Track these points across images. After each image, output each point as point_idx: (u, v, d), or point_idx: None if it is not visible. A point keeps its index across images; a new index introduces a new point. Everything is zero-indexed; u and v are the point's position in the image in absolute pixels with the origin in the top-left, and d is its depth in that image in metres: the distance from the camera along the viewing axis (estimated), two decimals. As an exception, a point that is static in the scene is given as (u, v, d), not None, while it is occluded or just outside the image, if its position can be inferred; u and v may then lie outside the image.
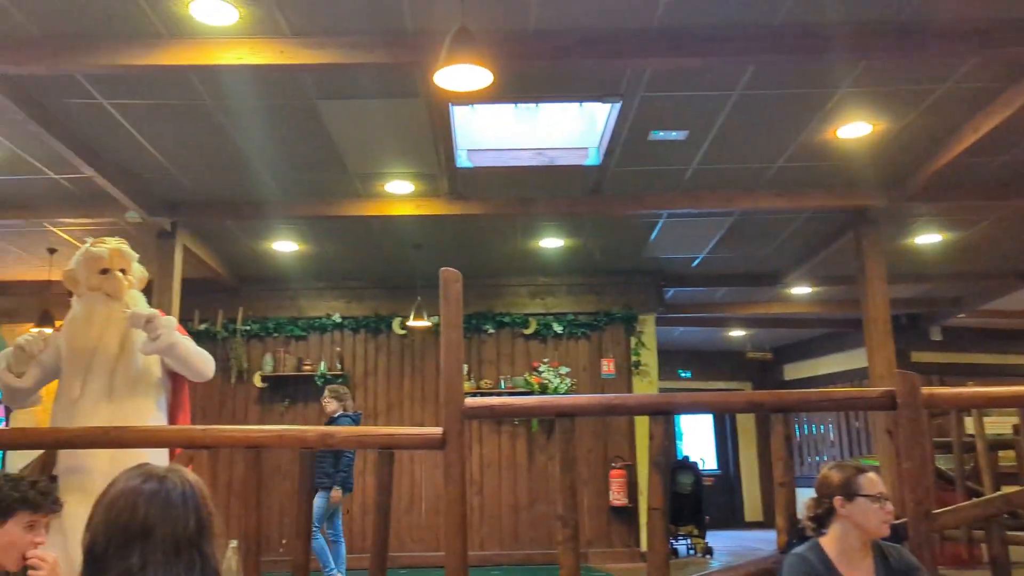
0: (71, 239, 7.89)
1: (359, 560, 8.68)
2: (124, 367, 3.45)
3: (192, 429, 3.08)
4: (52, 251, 8.16)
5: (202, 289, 8.99)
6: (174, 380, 3.72)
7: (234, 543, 2.64)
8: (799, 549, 2.67)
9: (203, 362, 3.60)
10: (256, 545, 3.03)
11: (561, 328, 9.55)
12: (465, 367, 9.16)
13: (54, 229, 7.58)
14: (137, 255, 3.82)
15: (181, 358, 3.50)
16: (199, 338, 9.26)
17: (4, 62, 4.48)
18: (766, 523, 13.26)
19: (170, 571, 1.50)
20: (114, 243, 3.70)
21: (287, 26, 4.44)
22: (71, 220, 7.25)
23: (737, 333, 12.77)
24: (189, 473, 1.66)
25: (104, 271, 3.60)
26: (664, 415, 3.09)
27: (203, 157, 6.19)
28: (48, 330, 3.47)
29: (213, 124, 5.61)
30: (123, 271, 3.64)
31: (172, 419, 3.66)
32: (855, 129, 5.78)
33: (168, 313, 4.05)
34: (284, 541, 8.58)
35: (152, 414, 3.50)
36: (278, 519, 8.79)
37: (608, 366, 9.47)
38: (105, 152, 6.01)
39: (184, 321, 8.57)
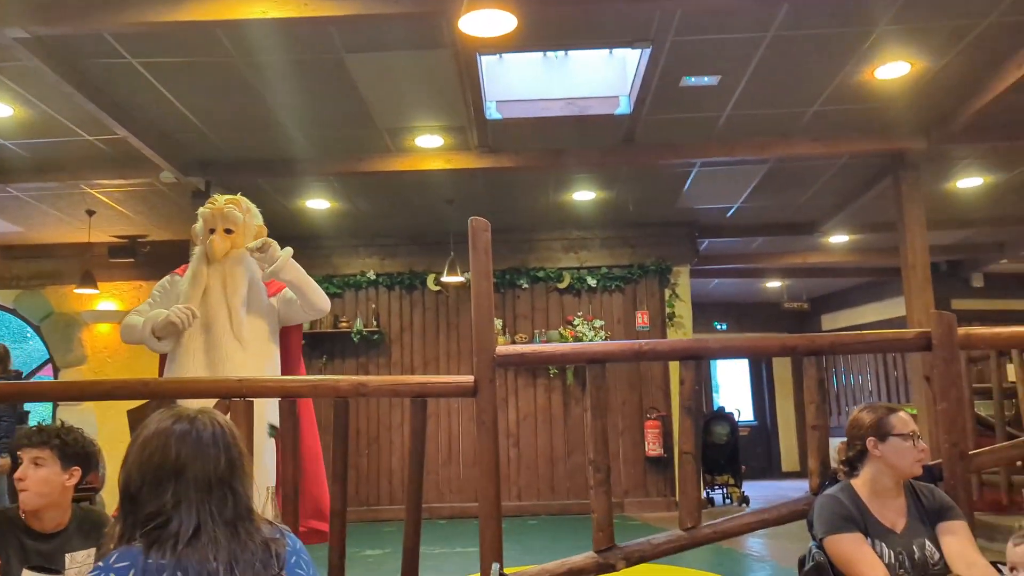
0: (109, 201, 8.02)
1: (399, 512, 8.86)
2: (237, 318, 3.50)
3: (229, 380, 3.13)
4: (91, 213, 8.30)
5: (238, 248, 9.08)
6: (285, 335, 3.76)
7: (270, 488, 2.69)
8: (831, 490, 2.66)
9: (319, 291, 3.63)
10: (293, 492, 3.10)
11: (595, 281, 9.52)
12: (499, 322, 9.22)
13: (91, 191, 7.70)
14: (254, 209, 3.74)
15: (297, 284, 3.55)
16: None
17: (35, 22, 4.52)
18: (802, 473, 13.17)
19: (203, 508, 1.54)
20: (221, 201, 3.65)
21: (311, -22, 4.41)
22: (107, 181, 7.36)
23: (773, 284, 12.63)
24: (219, 415, 1.69)
25: (212, 231, 3.62)
26: (695, 360, 3.07)
27: (233, 115, 6.22)
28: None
29: (242, 81, 5.62)
30: (229, 231, 3.61)
31: (285, 370, 3.71)
32: (893, 69, 5.61)
33: None
34: (325, 493, 8.77)
35: (272, 357, 3.57)
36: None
37: (642, 319, 9.44)
38: (137, 112, 6.07)
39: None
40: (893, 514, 2.58)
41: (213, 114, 6.20)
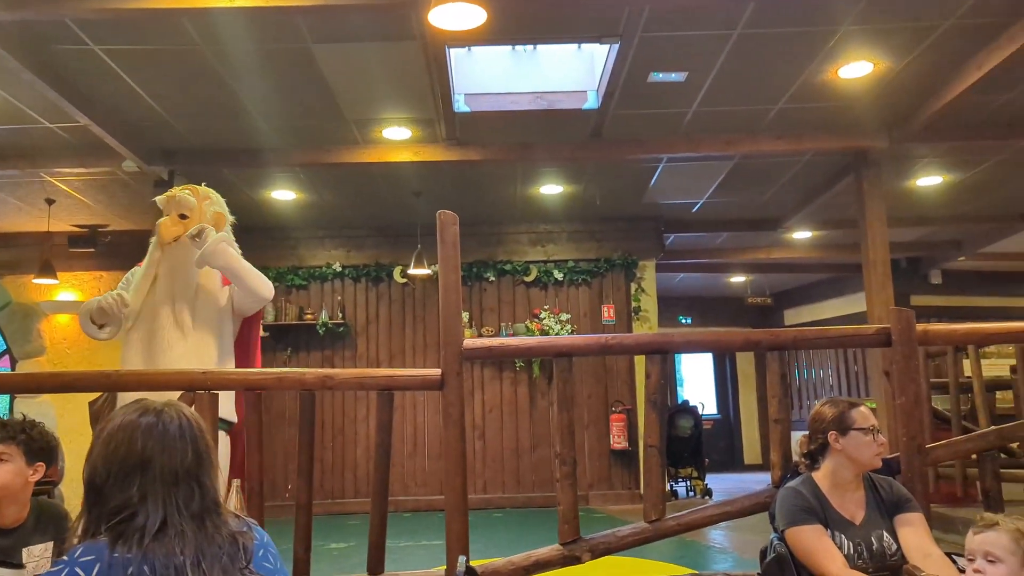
0: (69, 189, 7.87)
1: (364, 504, 8.84)
2: (182, 307, 3.45)
3: (193, 373, 3.10)
4: (50, 202, 8.14)
5: (202, 239, 8.97)
6: (244, 327, 3.69)
7: (236, 483, 2.68)
8: (792, 483, 2.71)
9: (258, 277, 3.53)
10: (259, 485, 3.08)
11: (562, 275, 9.56)
12: (466, 315, 9.22)
13: (52, 179, 7.55)
14: (214, 197, 3.68)
15: (232, 271, 3.46)
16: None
17: (-7, 7, 4.42)
18: (765, 466, 13.43)
19: (169, 501, 1.53)
20: (176, 189, 3.61)
21: (278, -33, 4.36)
22: (68, 170, 7.22)
23: (738, 279, 12.79)
24: (185, 408, 1.68)
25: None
26: (660, 354, 3.11)
27: (198, 104, 6.14)
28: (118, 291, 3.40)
29: (207, 70, 5.55)
30: (183, 216, 3.55)
31: (241, 362, 3.64)
32: (857, 68, 5.71)
33: None
34: (290, 486, 8.73)
35: (209, 350, 3.46)
36: (283, 464, 8.92)
37: (608, 312, 9.51)
38: (100, 100, 5.96)
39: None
40: (852, 506, 2.63)
41: (178, 103, 6.11)
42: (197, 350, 3.43)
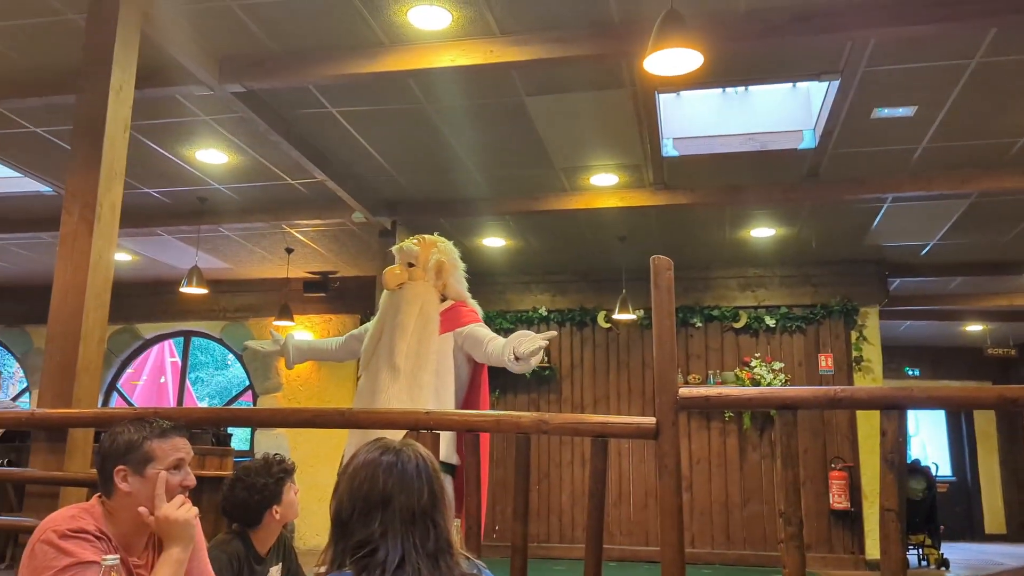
0: (305, 239, 8.62)
1: (569, 550, 8.82)
2: (399, 350, 3.66)
3: (417, 412, 3.24)
4: (289, 251, 8.95)
5: (419, 285, 9.49)
6: (476, 371, 3.89)
7: (457, 522, 2.76)
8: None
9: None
10: (477, 525, 3.15)
11: (774, 321, 9.15)
12: (672, 361, 9.02)
13: (291, 230, 8.31)
14: (442, 246, 3.89)
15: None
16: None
17: (251, 78, 4.97)
18: (1010, 536, 12.01)
19: (407, 539, 1.59)
20: (408, 241, 3.91)
21: (496, 25, 4.58)
22: (305, 221, 7.92)
23: (974, 327, 11.63)
24: (421, 447, 1.75)
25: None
26: (897, 409, 2.87)
27: (419, 158, 6.54)
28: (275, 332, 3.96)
29: (428, 126, 5.90)
30: (410, 264, 3.82)
31: (470, 403, 3.84)
32: (1122, 93, 5.09)
33: None
34: (497, 527, 8.87)
35: (427, 395, 3.61)
36: (491, 506, 9.10)
37: (826, 362, 8.96)
38: (334, 157, 6.50)
39: (403, 315, 9.13)
40: None
41: (401, 157, 6.54)
42: (409, 392, 3.57)
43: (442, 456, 3.32)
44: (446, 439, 3.40)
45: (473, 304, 3.88)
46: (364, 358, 3.71)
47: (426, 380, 3.65)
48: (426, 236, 3.90)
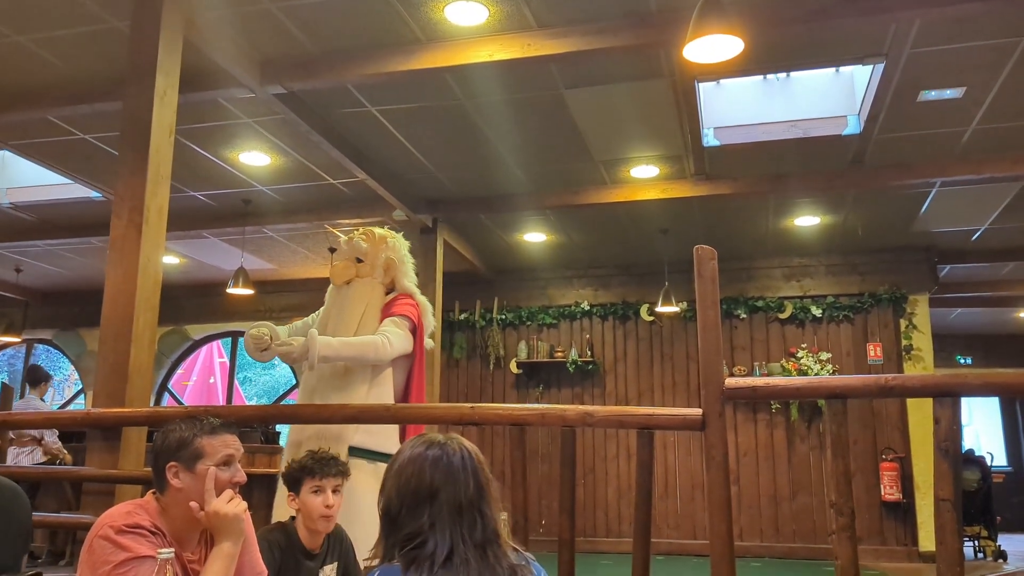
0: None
1: (616, 544, 8.80)
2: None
3: (462, 407, 3.27)
4: (332, 250, 9.02)
5: (461, 281, 9.54)
6: (411, 361, 3.72)
7: (504, 516, 2.76)
8: None
9: (366, 349, 3.46)
10: (524, 519, 3.16)
11: (820, 311, 9.01)
12: (717, 353, 8.93)
13: (333, 230, 8.38)
14: (392, 242, 3.75)
15: (344, 359, 3.46)
16: (459, 327, 9.88)
17: (291, 80, 5.03)
18: (1072, 529, 11.66)
19: (455, 530, 1.60)
20: (356, 235, 3.77)
21: (533, 19, 4.57)
22: (347, 221, 7.98)
23: (1029, 314, 11.33)
24: (465, 441, 1.76)
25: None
26: (951, 397, 2.80)
27: (459, 155, 6.55)
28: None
29: (467, 122, 5.91)
30: (359, 260, 3.71)
31: (403, 398, 3.70)
32: None
33: (432, 303, 4.15)
34: (543, 522, 8.88)
35: (358, 390, 3.51)
36: (536, 501, 9.11)
37: (875, 351, 8.79)
38: (375, 156, 6.55)
39: (445, 311, 9.17)
40: None
41: (440, 155, 6.56)
42: (349, 386, 3.51)
43: (372, 446, 3.35)
44: (388, 431, 3.41)
45: (420, 299, 3.74)
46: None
47: (365, 375, 3.54)
48: (376, 230, 3.78)
